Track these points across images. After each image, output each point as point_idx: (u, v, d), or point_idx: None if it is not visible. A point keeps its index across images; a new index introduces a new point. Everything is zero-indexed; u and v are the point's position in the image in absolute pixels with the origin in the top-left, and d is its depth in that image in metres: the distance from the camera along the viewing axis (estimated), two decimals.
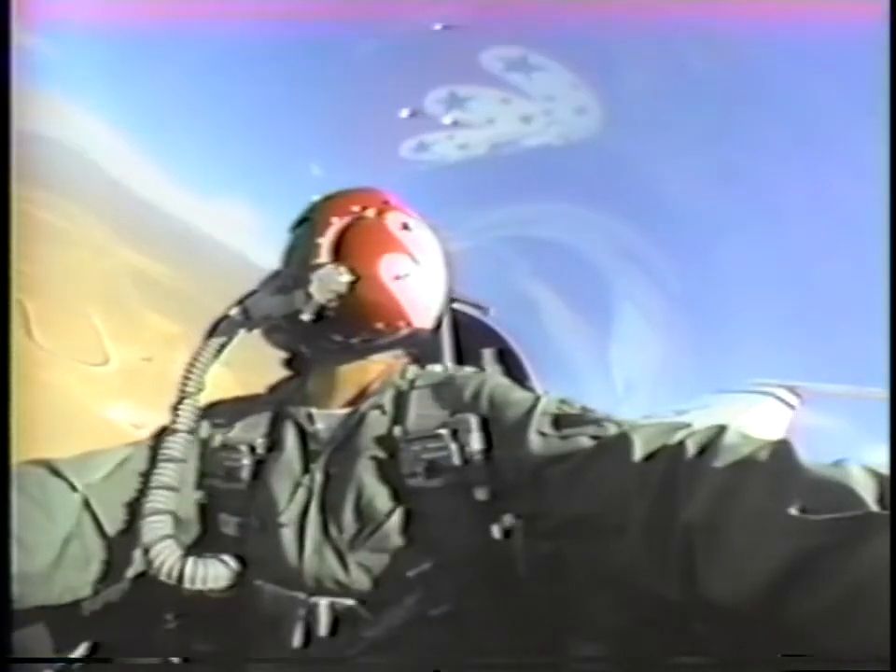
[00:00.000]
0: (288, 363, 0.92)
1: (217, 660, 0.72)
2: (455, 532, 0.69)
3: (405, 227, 0.82)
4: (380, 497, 0.71)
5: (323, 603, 0.68)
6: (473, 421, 0.72)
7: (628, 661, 0.68)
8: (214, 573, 0.69)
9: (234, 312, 0.80)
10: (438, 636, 0.66)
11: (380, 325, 0.79)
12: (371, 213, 0.81)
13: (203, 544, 0.76)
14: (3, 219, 0.75)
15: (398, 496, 0.71)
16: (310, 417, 0.80)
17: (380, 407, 0.78)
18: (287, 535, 0.72)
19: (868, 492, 0.45)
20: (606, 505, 0.63)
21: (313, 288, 0.75)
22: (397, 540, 0.69)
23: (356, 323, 0.79)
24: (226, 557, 0.71)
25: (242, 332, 0.81)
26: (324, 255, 0.77)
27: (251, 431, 0.82)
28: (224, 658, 0.69)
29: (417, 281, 0.80)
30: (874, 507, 0.44)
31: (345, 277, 0.76)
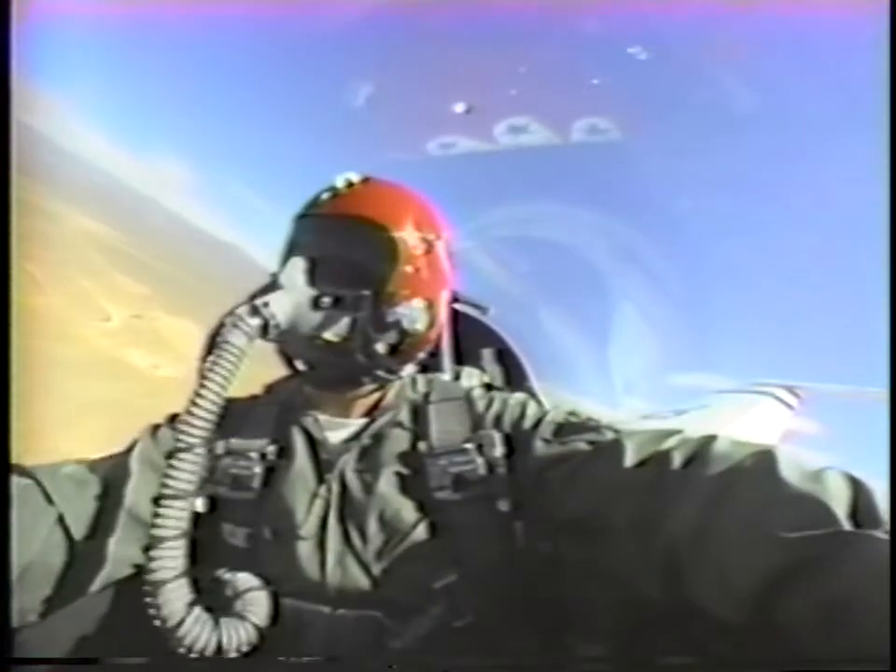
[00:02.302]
0: (289, 361, 0.85)
1: (219, 660, 0.70)
2: (481, 543, 0.70)
3: (450, 254, 0.83)
4: (405, 509, 0.71)
5: (348, 615, 0.67)
6: (497, 437, 0.74)
7: (627, 661, 0.69)
8: (247, 635, 0.61)
9: (244, 312, 0.66)
10: (461, 647, 0.66)
11: (422, 354, 0.82)
12: (438, 241, 0.80)
13: (204, 556, 0.73)
14: (3, 208, 0.72)
15: (423, 508, 0.71)
16: (317, 423, 0.79)
17: (399, 424, 0.78)
18: (307, 547, 0.70)
19: (841, 508, 0.47)
20: (598, 507, 0.64)
21: (402, 322, 0.74)
22: (423, 552, 0.69)
23: (414, 354, 0.81)
24: (251, 611, 0.62)
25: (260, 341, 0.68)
26: (406, 286, 0.75)
27: (256, 438, 0.79)
28: (226, 658, 0.67)
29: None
30: (844, 524, 0.46)
31: (424, 318, 0.76)
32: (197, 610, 0.58)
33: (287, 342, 0.74)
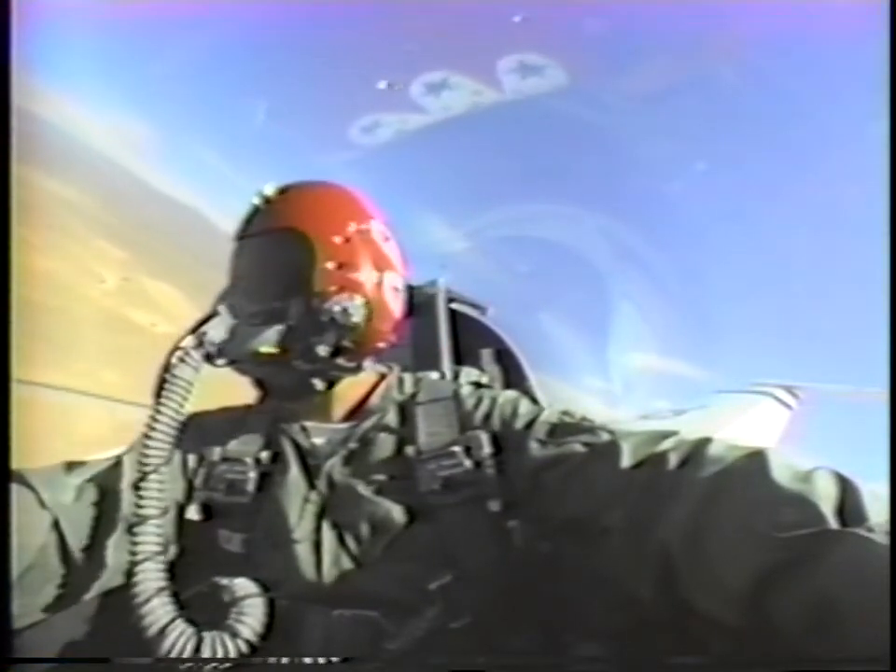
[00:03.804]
0: (259, 382, 0.87)
1: (223, 660, 0.70)
2: (473, 544, 0.70)
3: (386, 238, 0.81)
4: (395, 511, 0.71)
5: (345, 615, 0.68)
6: (484, 437, 0.74)
7: (625, 661, 0.69)
8: (234, 648, 0.63)
9: (191, 343, 0.72)
10: (459, 647, 0.66)
11: (382, 344, 0.79)
12: (365, 227, 0.78)
13: (201, 563, 0.72)
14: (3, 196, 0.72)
15: (414, 511, 0.71)
16: (304, 430, 0.79)
17: (386, 428, 0.78)
18: (302, 550, 0.71)
19: (829, 506, 0.48)
20: (594, 508, 0.65)
21: (330, 318, 0.72)
22: (417, 552, 0.69)
23: (367, 348, 0.78)
24: (243, 623, 0.64)
25: (207, 367, 0.73)
26: (332, 282, 0.74)
27: (250, 444, 0.80)
28: (231, 659, 0.67)
29: (401, 287, 0.81)
30: (832, 523, 0.47)
31: (362, 309, 0.74)
32: (180, 626, 0.61)
33: (237, 365, 0.76)
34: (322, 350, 0.73)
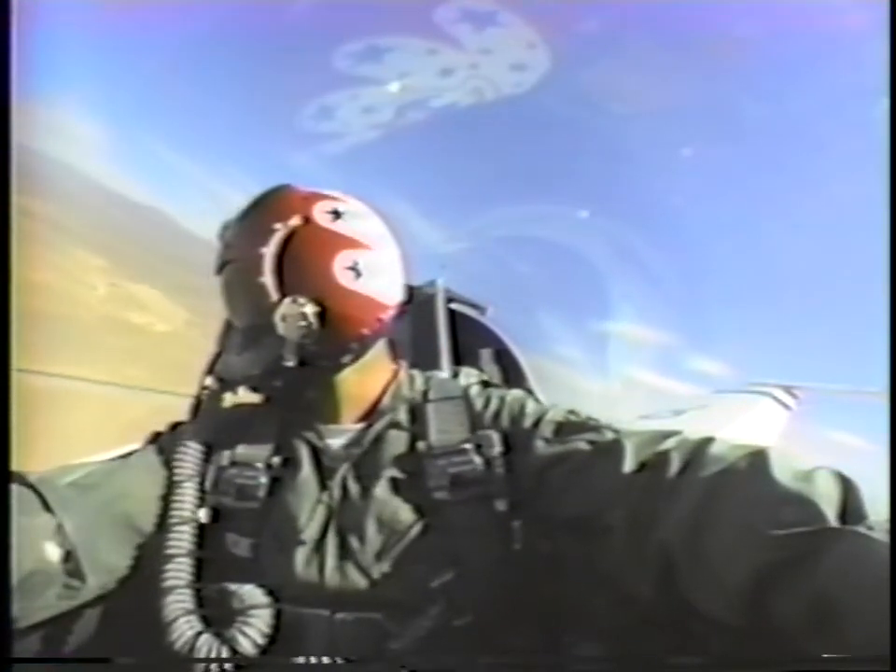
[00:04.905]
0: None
1: (225, 659, 0.70)
2: (477, 542, 0.70)
3: (336, 216, 0.75)
4: (403, 510, 0.71)
5: (347, 618, 0.68)
6: (495, 437, 0.74)
7: (626, 660, 0.69)
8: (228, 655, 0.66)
9: (210, 381, 0.82)
10: (461, 646, 0.67)
11: (365, 330, 0.76)
12: (295, 221, 0.73)
13: (209, 566, 0.74)
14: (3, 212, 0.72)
15: (421, 509, 0.71)
16: (318, 432, 0.79)
17: (397, 425, 0.78)
18: (305, 553, 0.71)
19: (830, 506, 0.48)
20: (597, 507, 0.65)
21: (281, 332, 0.71)
22: (421, 551, 0.69)
23: (342, 342, 0.75)
24: (251, 627, 0.68)
25: (228, 395, 0.82)
26: (273, 292, 0.72)
27: (260, 448, 0.79)
28: (233, 657, 0.68)
29: (375, 263, 0.75)
30: (832, 522, 0.47)
31: (309, 308, 0.71)
32: (184, 625, 0.68)
33: (262, 387, 0.82)
34: (290, 363, 0.73)
